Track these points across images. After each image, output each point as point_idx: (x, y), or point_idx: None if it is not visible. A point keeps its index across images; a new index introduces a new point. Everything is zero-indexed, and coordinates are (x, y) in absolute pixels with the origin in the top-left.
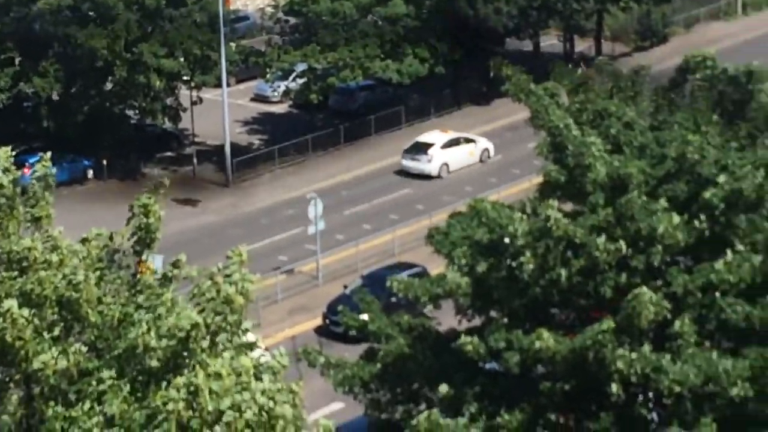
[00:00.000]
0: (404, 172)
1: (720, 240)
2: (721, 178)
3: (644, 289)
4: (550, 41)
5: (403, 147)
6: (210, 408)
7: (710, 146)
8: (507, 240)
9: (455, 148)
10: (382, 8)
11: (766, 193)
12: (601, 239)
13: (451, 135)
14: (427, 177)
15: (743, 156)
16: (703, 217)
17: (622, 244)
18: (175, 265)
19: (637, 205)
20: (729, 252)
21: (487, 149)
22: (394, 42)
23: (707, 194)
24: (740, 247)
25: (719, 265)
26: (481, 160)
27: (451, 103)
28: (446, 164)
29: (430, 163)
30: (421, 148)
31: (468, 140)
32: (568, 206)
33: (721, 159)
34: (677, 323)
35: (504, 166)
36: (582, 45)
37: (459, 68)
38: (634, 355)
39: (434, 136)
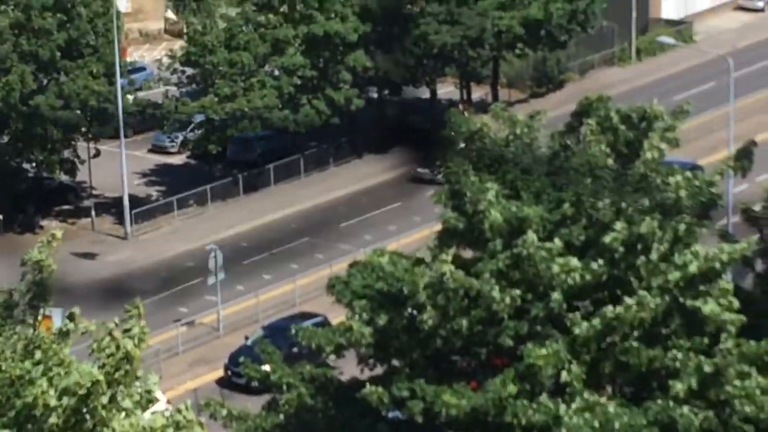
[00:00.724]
0: (304, 222)
1: (619, 284)
2: (618, 225)
3: (543, 348)
4: (447, 88)
5: (302, 196)
6: None
7: (605, 189)
8: (406, 292)
9: None
10: (280, 58)
11: (664, 234)
12: (496, 292)
13: None
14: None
15: (638, 198)
16: (601, 261)
17: (518, 293)
18: (71, 318)
19: (533, 247)
20: (627, 299)
21: None
22: (291, 92)
23: (607, 238)
24: (641, 292)
25: (620, 309)
26: None
27: (351, 152)
28: None
29: None
30: None
31: None
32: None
33: (616, 202)
34: (563, 374)
35: None
36: (478, 92)
37: (357, 117)
38: (533, 406)
39: None
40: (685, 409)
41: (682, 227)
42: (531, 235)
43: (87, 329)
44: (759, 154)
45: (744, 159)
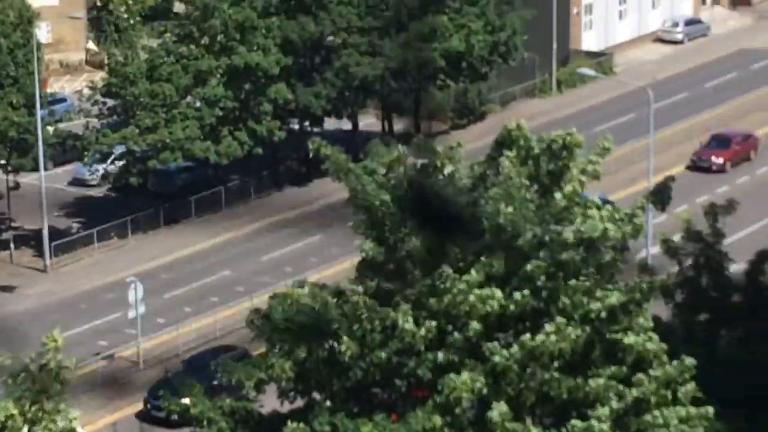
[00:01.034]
0: (226, 254)
1: (541, 314)
2: (541, 254)
3: (461, 375)
4: (369, 120)
5: (223, 228)
6: None
7: (525, 220)
8: (325, 324)
9: None
10: (202, 90)
11: (586, 265)
12: (410, 324)
13: None
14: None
15: (560, 229)
16: (526, 291)
17: (434, 324)
18: None
19: (450, 279)
20: (547, 326)
21: None
22: (213, 124)
23: (529, 267)
24: (559, 319)
25: (540, 338)
26: None
27: (271, 184)
28: None
29: None
30: None
31: None
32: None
33: (538, 233)
34: (494, 412)
35: (324, 246)
36: (400, 123)
37: (278, 149)
38: None
39: None
40: (605, 426)
41: (606, 259)
42: (448, 268)
43: (2, 363)
44: (678, 186)
45: (662, 194)
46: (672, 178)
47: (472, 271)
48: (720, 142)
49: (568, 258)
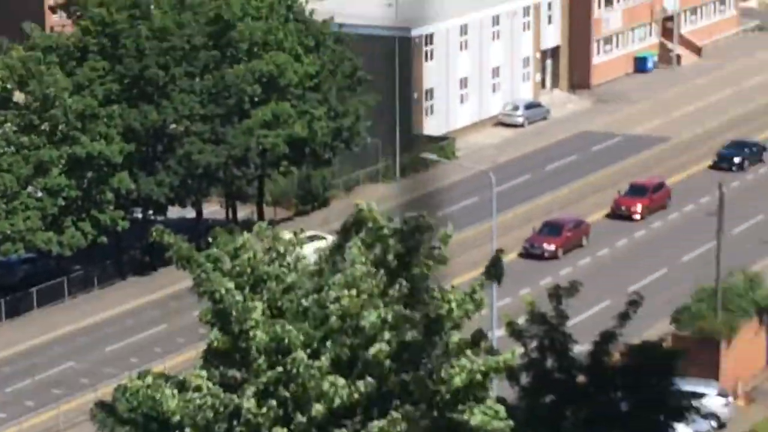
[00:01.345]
0: (69, 345)
1: (388, 399)
2: (386, 335)
3: None
4: (213, 207)
5: (66, 319)
6: None
7: (371, 305)
8: (167, 413)
9: (308, 245)
10: (43, 179)
11: (429, 348)
12: (252, 404)
13: (308, 233)
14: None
15: (403, 312)
16: (369, 377)
17: (274, 403)
18: None
19: (303, 365)
20: (393, 413)
21: None
22: (55, 214)
23: (373, 350)
24: (407, 407)
25: (383, 424)
26: None
27: (115, 274)
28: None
29: None
30: None
31: (319, 237)
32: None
33: (384, 316)
34: None
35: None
36: (244, 210)
37: (121, 238)
38: None
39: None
40: None
41: (453, 341)
42: (300, 354)
43: None
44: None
45: (495, 267)
46: (502, 251)
47: (323, 358)
48: (552, 228)
49: (412, 339)
